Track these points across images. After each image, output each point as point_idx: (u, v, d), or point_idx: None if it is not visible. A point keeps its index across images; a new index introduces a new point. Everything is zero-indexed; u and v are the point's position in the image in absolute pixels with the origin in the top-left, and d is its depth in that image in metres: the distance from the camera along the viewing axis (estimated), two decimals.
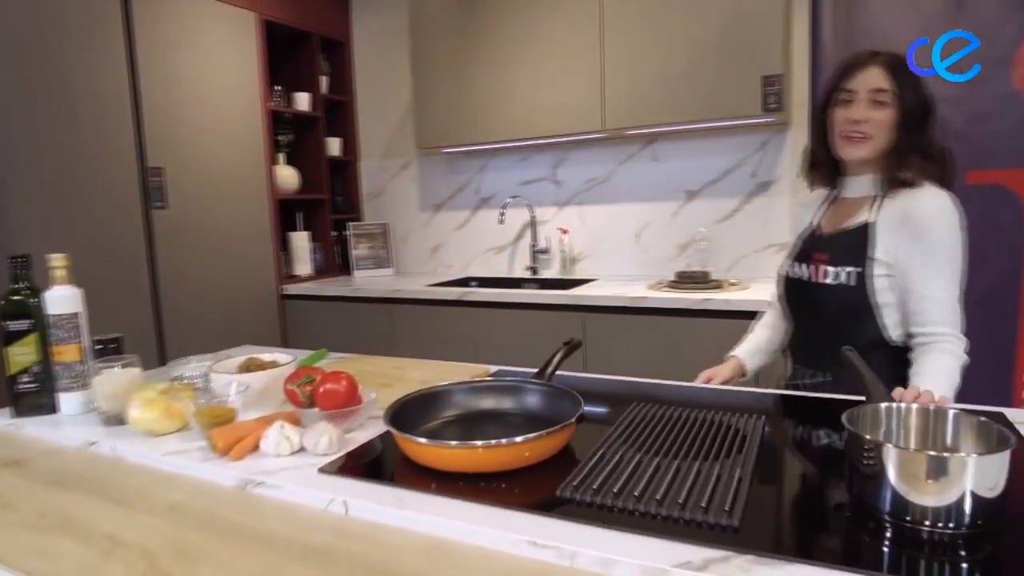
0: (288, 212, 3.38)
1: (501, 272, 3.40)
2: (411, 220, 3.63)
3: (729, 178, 2.83)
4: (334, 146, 3.54)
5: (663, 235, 2.99)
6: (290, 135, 3.38)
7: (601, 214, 3.12)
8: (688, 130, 2.78)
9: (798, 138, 2.64)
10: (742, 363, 1.55)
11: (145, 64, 2.57)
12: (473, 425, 1.04)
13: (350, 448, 0.99)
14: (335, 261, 3.59)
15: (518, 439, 0.86)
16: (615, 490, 0.79)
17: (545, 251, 3.26)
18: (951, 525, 0.69)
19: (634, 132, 2.80)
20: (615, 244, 3.11)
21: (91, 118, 2.41)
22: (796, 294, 1.45)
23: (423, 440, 0.89)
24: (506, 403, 1.08)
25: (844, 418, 0.78)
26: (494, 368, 1.44)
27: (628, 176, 3.03)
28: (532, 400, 1.06)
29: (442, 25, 3.00)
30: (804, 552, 0.67)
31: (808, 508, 0.79)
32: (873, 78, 1.28)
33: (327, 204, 3.49)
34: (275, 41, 3.20)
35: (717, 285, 2.56)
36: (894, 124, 1.28)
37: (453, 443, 0.88)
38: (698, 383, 1.47)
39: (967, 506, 0.68)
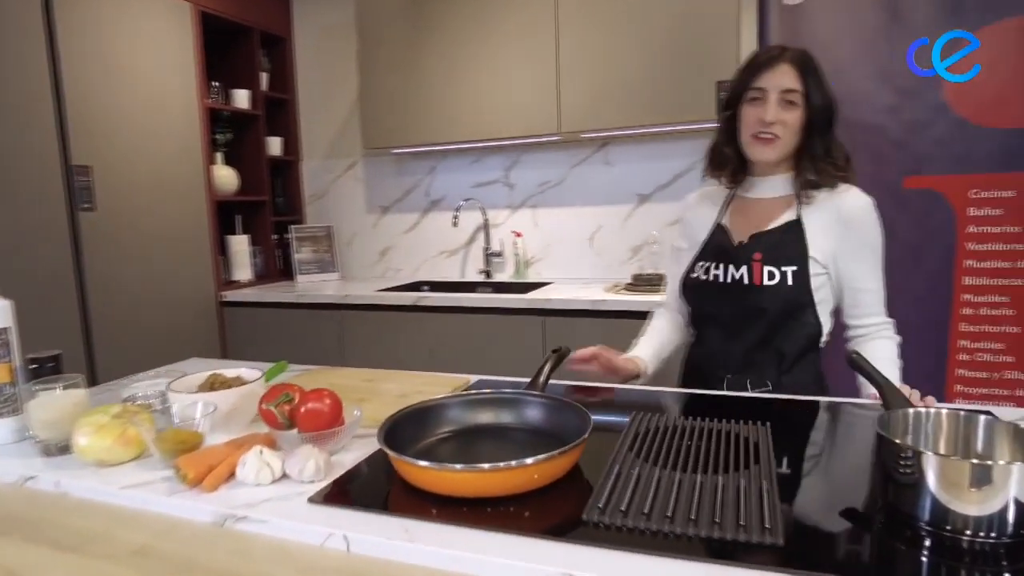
0: (226, 214, 3.19)
1: (453, 276, 3.32)
2: (357, 223, 3.50)
3: (679, 182, 2.85)
4: (275, 146, 3.37)
5: (616, 238, 2.99)
6: (228, 134, 3.19)
7: (554, 217, 3.09)
8: (641, 134, 2.79)
9: None
10: (643, 365, 1.43)
11: (68, 53, 2.35)
12: (471, 442, 0.97)
13: (337, 474, 0.90)
14: (276, 265, 3.41)
15: (528, 460, 0.78)
16: (645, 511, 0.73)
17: (499, 254, 3.20)
18: (993, 534, 0.67)
19: (588, 136, 2.78)
20: (569, 247, 3.08)
21: (7, 112, 2.18)
22: (726, 298, 1.34)
23: (425, 463, 0.81)
24: (505, 417, 1.00)
25: (877, 425, 0.76)
26: (474, 378, 1.36)
27: (581, 179, 3.01)
28: (532, 413, 0.99)
29: (390, 20, 2.89)
30: (856, 569, 0.63)
31: (842, 518, 0.75)
32: (784, 77, 1.27)
33: (268, 206, 3.32)
34: (213, 35, 3.01)
35: None
36: (802, 125, 1.28)
37: (458, 466, 0.80)
38: (576, 360, 1.34)
39: (1010, 515, 0.66)
